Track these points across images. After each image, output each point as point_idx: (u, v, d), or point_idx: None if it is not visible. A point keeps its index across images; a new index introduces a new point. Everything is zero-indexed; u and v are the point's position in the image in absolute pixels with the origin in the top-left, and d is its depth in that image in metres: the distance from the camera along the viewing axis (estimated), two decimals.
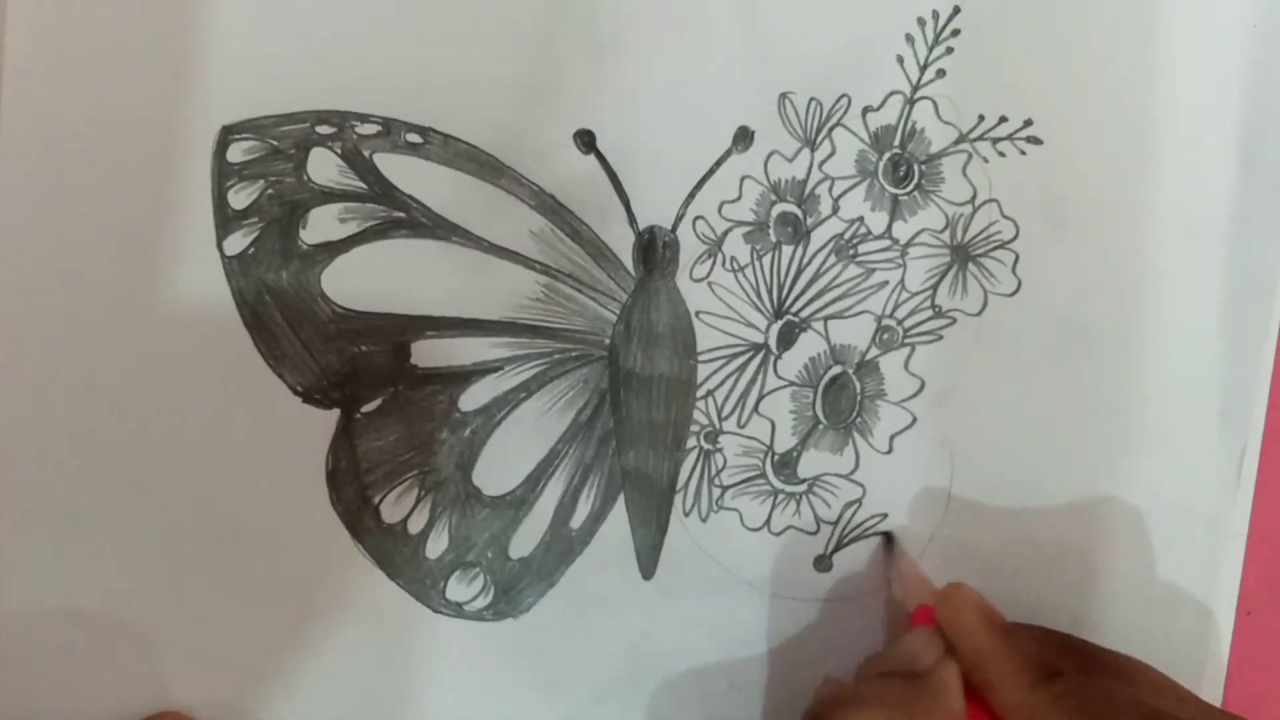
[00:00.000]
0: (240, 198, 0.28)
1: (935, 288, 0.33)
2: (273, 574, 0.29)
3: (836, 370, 0.33)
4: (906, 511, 0.34)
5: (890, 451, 0.34)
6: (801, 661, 0.33)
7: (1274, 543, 0.36)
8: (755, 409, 0.33)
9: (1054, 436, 0.34)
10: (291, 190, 0.29)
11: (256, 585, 0.29)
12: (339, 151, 0.29)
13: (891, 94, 0.32)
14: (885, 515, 0.34)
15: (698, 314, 0.32)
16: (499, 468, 0.31)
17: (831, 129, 0.32)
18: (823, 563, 0.34)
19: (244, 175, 0.28)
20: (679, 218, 0.31)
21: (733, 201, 0.32)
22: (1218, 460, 0.35)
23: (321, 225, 0.29)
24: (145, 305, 0.28)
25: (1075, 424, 0.34)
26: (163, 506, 0.29)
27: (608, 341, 0.32)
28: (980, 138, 0.33)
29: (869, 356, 0.33)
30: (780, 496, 0.33)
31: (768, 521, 0.33)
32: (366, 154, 0.29)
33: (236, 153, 0.28)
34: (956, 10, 0.32)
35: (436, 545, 0.31)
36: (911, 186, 0.33)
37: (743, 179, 0.32)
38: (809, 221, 0.32)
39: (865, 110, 0.32)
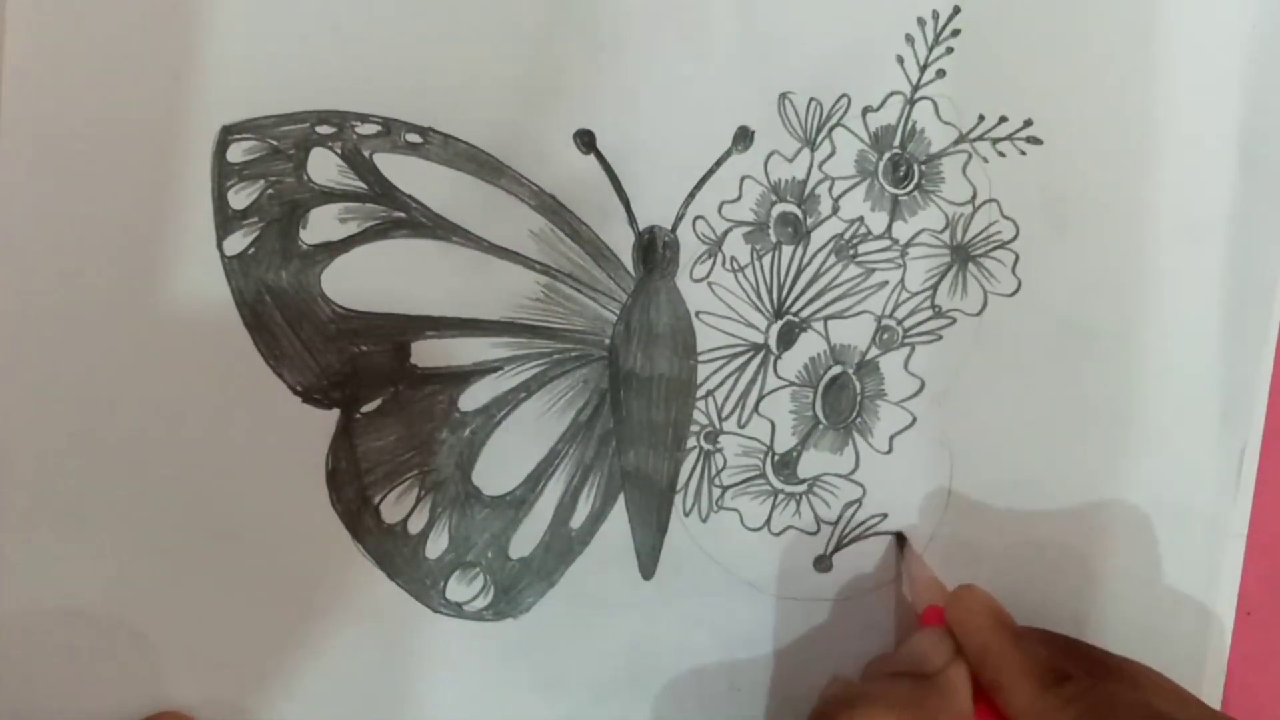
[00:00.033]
0: (240, 198, 0.28)
1: (935, 288, 0.33)
2: (273, 574, 0.29)
3: (836, 370, 0.33)
4: (906, 511, 0.34)
5: (890, 451, 0.34)
6: (802, 661, 0.33)
7: (1274, 543, 0.36)
8: (755, 409, 0.33)
9: (1054, 436, 0.34)
10: (291, 190, 0.29)
11: (256, 585, 0.29)
12: (339, 151, 0.29)
13: (891, 94, 0.32)
14: (885, 515, 0.34)
15: (698, 314, 0.32)
16: (499, 468, 0.31)
17: (831, 129, 0.32)
18: (823, 563, 0.34)
19: (244, 175, 0.28)
20: (679, 218, 0.31)
21: (733, 201, 0.32)
22: (1218, 460, 0.35)
23: (321, 225, 0.29)
24: (145, 305, 0.28)
25: (1075, 424, 0.34)
26: (163, 506, 0.29)
27: (608, 341, 0.32)
28: (980, 138, 0.33)
29: (869, 356, 0.33)
30: (780, 496, 0.33)
31: (768, 521, 0.33)
32: (366, 154, 0.29)
33: (236, 153, 0.28)
34: (956, 10, 0.32)
35: (436, 545, 0.31)
36: (911, 186, 0.33)
37: (743, 179, 0.32)
38: (809, 221, 0.32)
39: (865, 110, 0.32)
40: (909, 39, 0.32)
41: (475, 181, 0.30)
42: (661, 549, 0.32)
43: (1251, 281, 0.35)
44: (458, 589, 0.31)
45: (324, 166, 0.29)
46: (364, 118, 0.29)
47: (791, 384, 0.33)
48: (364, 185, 0.29)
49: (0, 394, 0.27)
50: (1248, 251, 0.35)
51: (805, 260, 0.33)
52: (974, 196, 0.33)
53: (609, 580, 0.32)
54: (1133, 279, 0.34)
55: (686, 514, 0.32)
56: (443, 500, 0.31)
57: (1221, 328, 0.35)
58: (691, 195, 0.31)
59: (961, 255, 0.33)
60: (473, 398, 0.31)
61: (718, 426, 0.32)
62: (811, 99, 0.32)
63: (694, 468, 0.32)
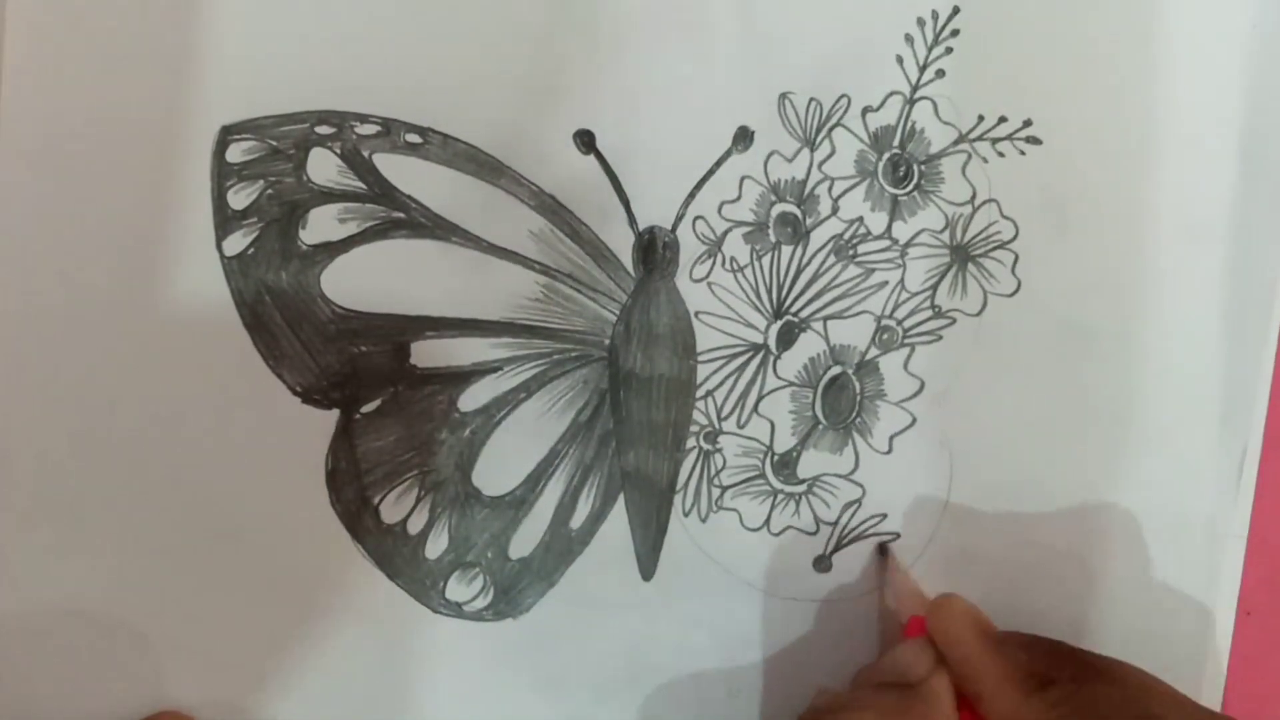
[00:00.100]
0: (240, 198, 0.28)
1: (935, 288, 0.33)
2: (273, 574, 0.29)
3: (836, 370, 0.33)
4: (906, 512, 0.34)
5: (890, 452, 0.34)
6: (801, 662, 0.33)
7: (1274, 543, 0.36)
8: (755, 409, 0.33)
9: (1054, 437, 0.34)
10: (291, 190, 0.29)
11: (256, 585, 0.29)
12: (339, 152, 0.29)
13: (891, 94, 0.32)
14: (885, 515, 0.34)
15: (697, 314, 0.32)
16: (499, 468, 0.31)
17: (831, 129, 0.32)
18: (822, 563, 0.34)
19: (244, 175, 0.28)
20: (679, 218, 0.31)
21: (732, 202, 0.32)
22: (1218, 461, 0.35)
23: (321, 225, 0.29)
24: (145, 305, 0.28)
25: (1075, 425, 0.34)
26: (163, 506, 0.29)
27: (607, 342, 0.32)
28: (980, 138, 0.33)
29: (868, 357, 0.33)
30: (780, 497, 0.33)
31: (767, 522, 0.33)
32: (366, 154, 0.29)
33: (236, 153, 0.28)
34: (956, 10, 0.32)
35: (436, 545, 0.31)
36: (911, 187, 0.33)
37: (742, 179, 0.32)
38: (809, 222, 0.32)
39: (865, 110, 0.32)
40: (909, 39, 0.32)
41: (475, 182, 0.30)
42: (661, 549, 0.32)
43: (1251, 281, 0.35)
44: (457, 589, 0.31)
45: (323, 167, 0.29)
46: (363, 118, 0.29)
47: (791, 384, 0.33)
48: (363, 185, 0.29)
49: (0, 394, 0.27)
50: (1248, 251, 0.35)
51: (805, 260, 0.33)
52: (974, 196, 0.33)
53: (609, 580, 0.32)
54: (1133, 279, 0.34)
55: (686, 514, 0.32)
56: (442, 500, 0.31)
57: (1222, 328, 0.35)
58: (691, 195, 0.31)
59: (961, 255, 0.33)
60: (472, 398, 0.31)
61: (717, 427, 0.32)
62: (811, 99, 0.32)
63: (693, 468, 0.32)
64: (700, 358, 0.32)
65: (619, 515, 0.32)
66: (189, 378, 0.28)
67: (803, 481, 0.33)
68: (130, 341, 0.28)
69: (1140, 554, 0.35)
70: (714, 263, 0.32)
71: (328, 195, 0.29)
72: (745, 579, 0.33)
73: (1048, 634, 0.31)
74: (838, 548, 0.34)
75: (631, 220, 0.31)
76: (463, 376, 0.30)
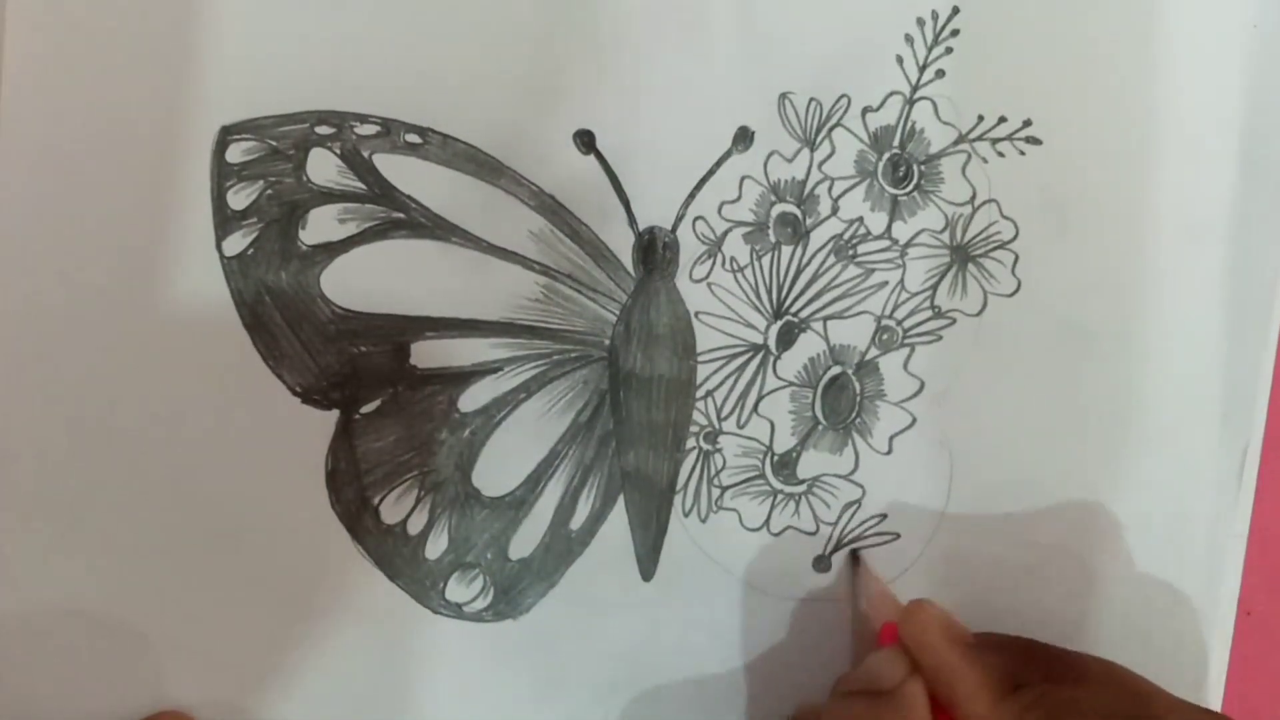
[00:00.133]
0: (239, 198, 0.28)
1: (935, 288, 0.33)
2: (273, 574, 0.29)
3: (836, 371, 0.33)
4: (906, 512, 0.34)
5: (890, 452, 0.34)
6: (801, 662, 0.33)
7: (1274, 543, 0.36)
8: (755, 409, 0.33)
9: (1054, 437, 0.34)
10: (291, 191, 0.29)
11: (256, 585, 0.29)
12: (338, 152, 0.29)
13: (891, 94, 0.32)
14: (884, 516, 0.34)
15: (697, 314, 0.32)
16: (498, 468, 0.31)
17: (831, 129, 0.32)
18: (822, 563, 0.34)
19: (243, 176, 0.28)
20: (679, 218, 0.31)
21: (732, 202, 0.32)
22: (1218, 460, 0.35)
23: (321, 226, 0.29)
24: (145, 305, 0.28)
25: (1075, 425, 0.34)
26: (162, 506, 0.29)
27: (607, 342, 0.32)
28: (980, 138, 0.33)
29: (868, 357, 0.33)
30: (779, 497, 0.33)
31: (767, 522, 0.33)
32: (366, 154, 0.29)
33: (236, 153, 0.28)
34: (956, 10, 0.32)
35: (436, 546, 0.31)
36: (911, 187, 0.33)
37: (742, 179, 0.32)
38: (808, 222, 0.32)
39: (865, 110, 0.32)
40: (908, 39, 0.32)
41: (475, 182, 0.30)
42: (661, 550, 0.32)
43: (1251, 281, 0.35)
44: (457, 590, 0.31)
45: (323, 167, 0.29)
46: (363, 118, 0.29)
47: (791, 384, 0.33)
48: (363, 186, 0.29)
49: (0, 394, 0.27)
50: (1248, 251, 0.35)
51: (805, 260, 0.33)
52: (973, 197, 0.33)
53: (609, 581, 0.32)
54: (1133, 279, 0.34)
55: (686, 514, 0.32)
56: (442, 501, 0.31)
57: (1222, 328, 0.35)
58: (691, 195, 0.31)
59: (961, 255, 0.33)
60: (472, 398, 0.31)
61: (717, 427, 0.32)
62: (811, 99, 0.32)
63: (693, 468, 0.32)
64: (700, 358, 0.32)
65: (619, 516, 0.32)
66: (189, 378, 0.28)
67: (802, 482, 0.33)
68: (130, 341, 0.28)
69: (1140, 554, 0.35)
70: (714, 263, 0.32)
71: (327, 195, 0.29)
72: (745, 579, 0.33)
73: (1047, 634, 0.31)
74: (837, 548, 0.34)
75: (631, 220, 0.31)
76: (463, 377, 0.30)
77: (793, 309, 0.33)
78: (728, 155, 0.31)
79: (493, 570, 0.31)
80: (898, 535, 0.34)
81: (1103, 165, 0.34)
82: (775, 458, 0.33)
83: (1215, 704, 0.36)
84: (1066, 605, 0.35)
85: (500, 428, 0.31)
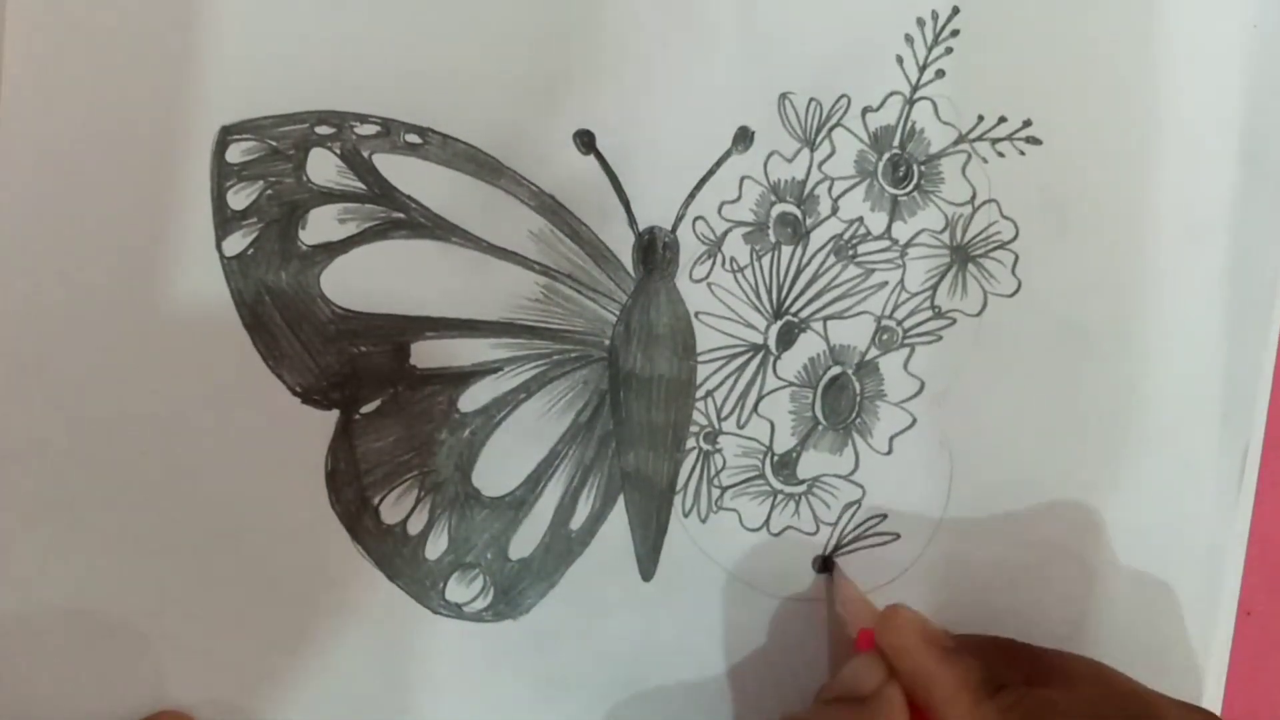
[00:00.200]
0: (239, 198, 0.28)
1: (935, 288, 0.33)
2: (273, 574, 0.29)
3: (836, 371, 0.33)
4: (906, 512, 0.34)
5: (890, 452, 0.34)
6: (801, 662, 0.33)
7: (1274, 544, 0.36)
8: (755, 409, 0.33)
9: (1054, 437, 0.34)
10: (291, 191, 0.29)
11: (256, 585, 0.29)
12: (338, 152, 0.29)
13: (891, 94, 0.32)
14: (884, 516, 0.34)
15: (697, 314, 0.32)
16: (498, 469, 0.31)
17: (831, 129, 0.32)
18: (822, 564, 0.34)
19: (243, 176, 0.28)
20: (679, 218, 0.31)
21: (732, 202, 0.32)
22: (1218, 461, 0.35)
23: (321, 226, 0.29)
24: (145, 305, 0.28)
25: (1075, 425, 0.34)
26: (163, 506, 0.29)
27: (607, 342, 0.32)
28: (980, 138, 0.33)
29: (868, 357, 0.33)
30: (779, 497, 0.33)
31: (767, 522, 0.33)
32: (366, 154, 0.29)
33: (236, 153, 0.28)
34: (956, 11, 0.32)
35: (436, 546, 0.31)
36: (911, 187, 0.33)
37: (742, 179, 0.32)
38: (808, 222, 0.32)
39: (865, 110, 0.32)
40: (908, 39, 0.32)
41: (475, 182, 0.30)
42: (661, 550, 0.32)
43: (1251, 281, 0.35)
44: (457, 590, 0.31)
45: (323, 167, 0.29)
46: (363, 118, 0.29)
47: (791, 384, 0.33)
48: (363, 186, 0.29)
49: (0, 394, 0.27)
50: (1248, 251, 0.35)
51: (805, 260, 0.33)
52: (974, 197, 0.33)
53: (609, 581, 0.32)
54: (1133, 279, 0.34)
55: (686, 515, 0.32)
56: (442, 501, 0.31)
57: (1222, 328, 0.35)
58: (691, 196, 0.31)
59: (961, 255, 0.33)
60: (472, 399, 0.31)
61: (717, 427, 0.32)
62: (811, 99, 0.32)
63: (693, 468, 0.32)
64: (700, 358, 0.32)
65: (619, 516, 0.32)
66: (189, 378, 0.28)
67: (802, 482, 0.33)
68: (130, 341, 0.28)
69: (1140, 554, 0.35)
70: (714, 263, 0.32)
71: (327, 195, 0.29)
72: (745, 579, 0.33)
73: (1047, 634, 0.31)
74: (838, 548, 0.34)
75: (631, 220, 0.31)
76: (463, 377, 0.30)
77: (793, 309, 0.33)
78: (728, 155, 0.31)
79: (493, 570, 0.31)
80: (898, 535, 0.34)
81: (1103, 165, 0.34)
82: (775, 458, 0.33)
83: (1215, 704, 0.36)
84: (1066, 605, 0.35)
85: (500, 428, 0.31)
